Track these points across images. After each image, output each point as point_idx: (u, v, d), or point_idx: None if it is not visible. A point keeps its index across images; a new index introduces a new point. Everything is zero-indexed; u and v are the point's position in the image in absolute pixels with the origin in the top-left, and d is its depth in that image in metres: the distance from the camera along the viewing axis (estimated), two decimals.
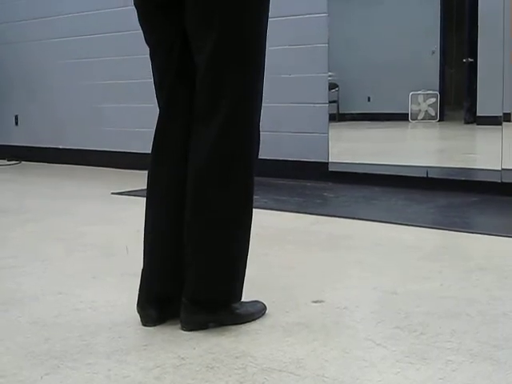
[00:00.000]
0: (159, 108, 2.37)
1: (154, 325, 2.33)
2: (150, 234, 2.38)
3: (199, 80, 2.25)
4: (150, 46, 2.38)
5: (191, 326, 2.27)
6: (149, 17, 2.32)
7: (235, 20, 2.18)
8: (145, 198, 2.39)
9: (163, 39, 2.31)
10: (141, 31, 2.37)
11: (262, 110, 2.31)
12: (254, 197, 2.32)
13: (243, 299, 2.35)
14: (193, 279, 2.26)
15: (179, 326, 2.29)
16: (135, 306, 2.36)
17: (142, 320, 2.35)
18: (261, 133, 2.32)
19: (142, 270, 2.38)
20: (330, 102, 5.94)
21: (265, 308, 2.44)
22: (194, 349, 2.12)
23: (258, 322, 2.35)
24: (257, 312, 2.40)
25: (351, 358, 2.03)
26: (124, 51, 6.98)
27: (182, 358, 2.04)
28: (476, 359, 2.00)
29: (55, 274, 3.08)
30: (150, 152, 2.36)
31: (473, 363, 1.98)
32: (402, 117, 7.29)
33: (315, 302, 2.56)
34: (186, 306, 2.27)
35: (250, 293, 2.38)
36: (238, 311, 2.33)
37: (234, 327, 2.29)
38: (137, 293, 2.36)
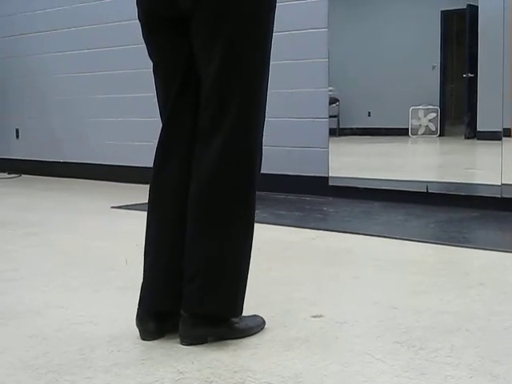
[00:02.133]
0: (162, 122, 2.37)
1: (153, 339, 2.32)
2: (151, 248, 2.38)
3: (205, 92, 2.25)
4: (153, 61, 2.38)
5: (190, 340, 2.27)
6: (154, 31, 2.33)
7: (243, 34, 2.20)
8: (145, 212, 2.39)
9: (168, 54, 2.32)
10: (142, 45, 2.38)
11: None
12: None
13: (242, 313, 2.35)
14: (193, 294, 2.26)
15: (178, 340, 2.28)
16: (134, 319, 2.36)
17: (140, 334, 2.35)
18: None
19: (142, 284, 2.38)
20: (330, 117, 5.95)
21: (264, 322, 2.43)
22: (193, 363, 2.12)
23: (257, 336, 2.35)
24: (256, 326, 2.40)
25: (350, 373, 2.03)
26: (125, 65, 7.01)
27: (181, 373, 2.04)
28: (475, 374, 2.00)
29: (56, 287, 3.08)
30: (150, 166, 2.37)
31: (472, 378, 1.97)
32: (403, 132, 7.29)
33: (314, 316, 2.56)
34: (186, 320, 2.27)
35: (249, 307, 2.38)
36: (237, 325, 2.33)
37: (233, 341, 2.29)
38: (136, 306, 2.36)
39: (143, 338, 2.33)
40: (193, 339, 2.27)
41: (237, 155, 2.25)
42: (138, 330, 2.35)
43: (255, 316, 2.44)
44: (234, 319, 2.32)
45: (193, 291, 2.26)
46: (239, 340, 2.30)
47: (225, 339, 2.30)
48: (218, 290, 2.27)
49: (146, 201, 2.39)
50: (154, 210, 2.38)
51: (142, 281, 2.38)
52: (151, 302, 2.36)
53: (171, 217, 2.34)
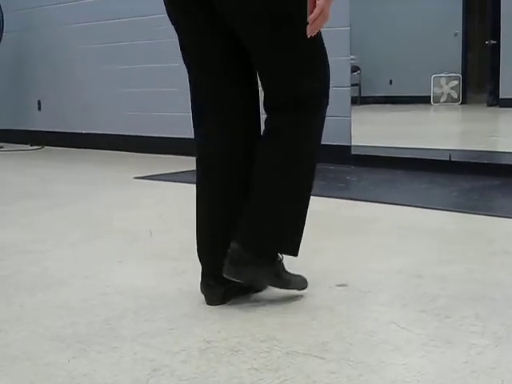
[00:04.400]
0: None
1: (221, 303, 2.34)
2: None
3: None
4: None
5: (234, 275, 2.27)
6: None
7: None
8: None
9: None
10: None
11: None
12: None
13: None
14: (248, 225, 2.29)
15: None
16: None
17: (206, 299, 2.36)
18: None
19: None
20: (351, 85, 5.92)
21: (306, 282, 2.43)
22: (219, 332, 2.13)
23: (282, 305, 2.36)
24: (300, 282, 2.41)
25: (376, 342, 2.03)
26: (147, 36, 6.99)
27: (208, 342, 2.06)
28: (501, 343, 2.00)
29: (81, 258, 3.10)
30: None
31: (498, 346, 1.97)
32: (424, 100, 7.26)
33: (339, 285, 2.57)
34: (236, 252, 2.26)
35: None
36: (281, 274, 2.35)
37: (258, 310, 2.30)
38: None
39: (209, 303, 2.35)
40: (236, 275, 2.27)
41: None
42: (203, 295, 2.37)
43: (298, 275, 2.44)
44: (280, 268, 2.34)
45: (248, 223, 2.30)
46: (265, 309, 2.31)
47: (264, 287, 2.34)
48: (271, 225, 2.34)
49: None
50: (201, 175, 2.43)
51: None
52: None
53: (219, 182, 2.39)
